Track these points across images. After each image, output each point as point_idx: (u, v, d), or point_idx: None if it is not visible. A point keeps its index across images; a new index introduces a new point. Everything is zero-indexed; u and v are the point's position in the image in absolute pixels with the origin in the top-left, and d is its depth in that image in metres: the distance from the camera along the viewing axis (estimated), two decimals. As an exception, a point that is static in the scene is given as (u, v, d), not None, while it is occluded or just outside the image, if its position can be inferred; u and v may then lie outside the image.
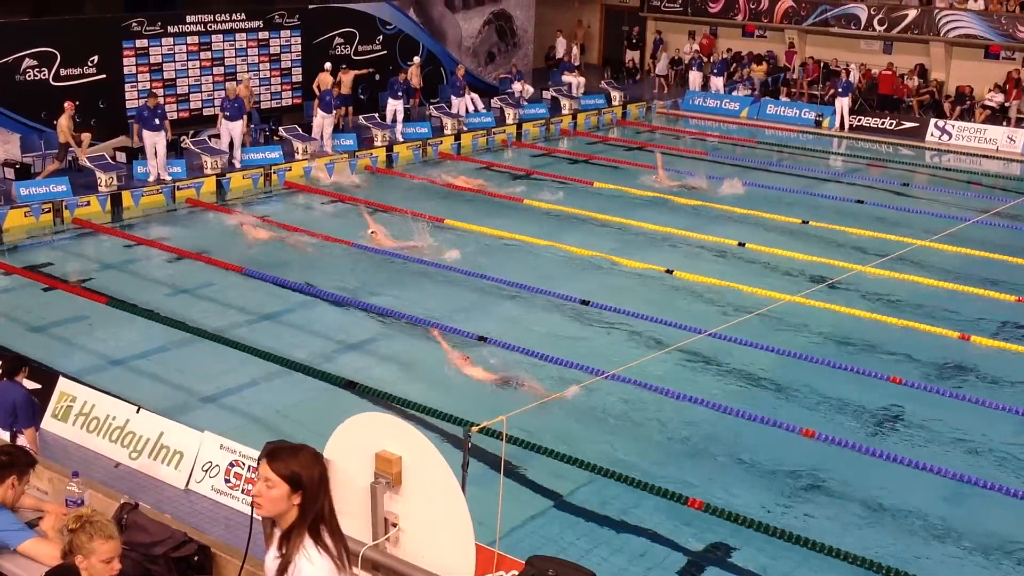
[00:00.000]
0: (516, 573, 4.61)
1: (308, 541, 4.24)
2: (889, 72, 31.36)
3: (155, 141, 21.09)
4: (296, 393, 12.90)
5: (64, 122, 20.60)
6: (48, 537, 5.71)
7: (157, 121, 21.05)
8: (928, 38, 31.79)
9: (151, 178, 21.15)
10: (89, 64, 22.89)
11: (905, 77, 31.58)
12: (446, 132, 26.85)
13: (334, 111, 24.43)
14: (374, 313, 15.38)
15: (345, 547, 4.34)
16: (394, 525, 4.77)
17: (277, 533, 4.36)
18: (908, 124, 29.54)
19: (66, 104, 20.76)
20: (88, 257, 18.00)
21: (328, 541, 4.28)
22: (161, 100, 22.44)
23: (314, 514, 4.26)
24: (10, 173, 20.68)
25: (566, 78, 31.69)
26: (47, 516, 5.97)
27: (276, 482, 4.25)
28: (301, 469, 4.25)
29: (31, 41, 21.90)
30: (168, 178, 21.23)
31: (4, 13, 22.31)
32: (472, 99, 28.48)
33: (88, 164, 20.82)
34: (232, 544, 5.97)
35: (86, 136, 21.08)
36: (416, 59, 28.55)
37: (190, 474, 10.60)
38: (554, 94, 30.85)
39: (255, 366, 13.52)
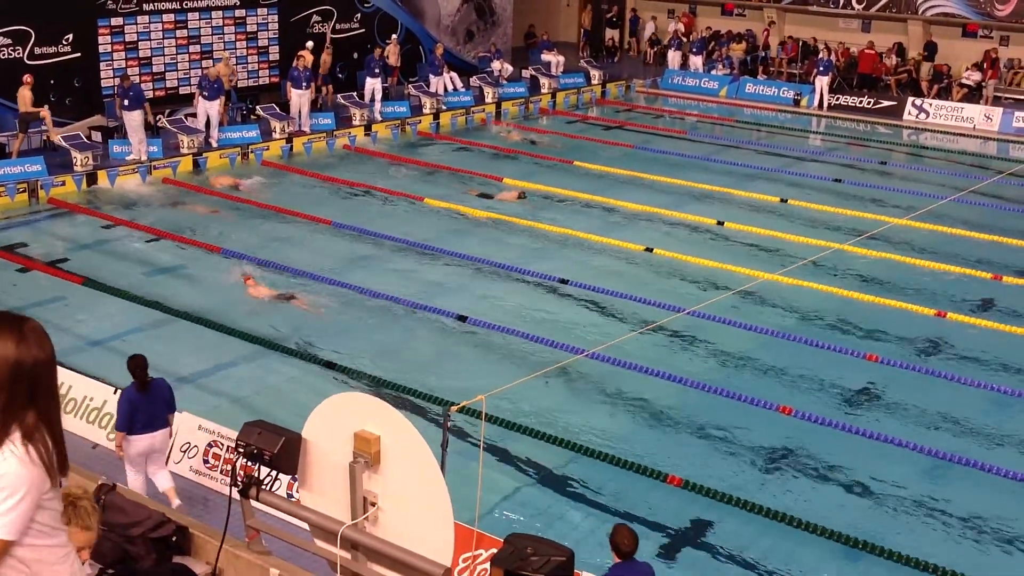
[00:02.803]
0: (495, 551, 4.62)
1: (12, 438, 3.55)
2: (871, 51, 31.41)
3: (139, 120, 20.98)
4: (275, 373, 12.88)
5: (25, 93, 20.43)
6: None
7: (127, 101, 20.93)
8: (906, 16, 31.85)
9: (129, 157, 21.01)
10: (64, 42, 22.65)
11: (883, 56, 31.64)
12: (425, 111, 26.74)
13: (306, 87, 24.17)
14: (352, 292, 15.34)
15: (57, 454, 3.66)
16: (373, 504, 4.77)
17: None
18: (886, 103, 29.61)
19: (25, 77, 20.66)
20: (64, 237, 17.86)
21: (26, 439, 3.55)
22: (135, 80, 22.24)
23: (8, 409, 3.54)
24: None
25: (545, 57, 31.60)
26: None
27: None
28: None
29: (4, 19, 21.63)
30: (145, 158, 21.08)
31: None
32: (451, 78, 28.37)
33: (63, 143, 20.64)
34: (211, 525, 5.96)
35: (45, 111, 20.84)
36: (394, 37, 28.40)
37: (168, 454, 10.55)
38: (533, 73, 30.77)
39: (233, 346, 13.48)
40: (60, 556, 3.77)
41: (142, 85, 22.96)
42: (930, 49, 31.71)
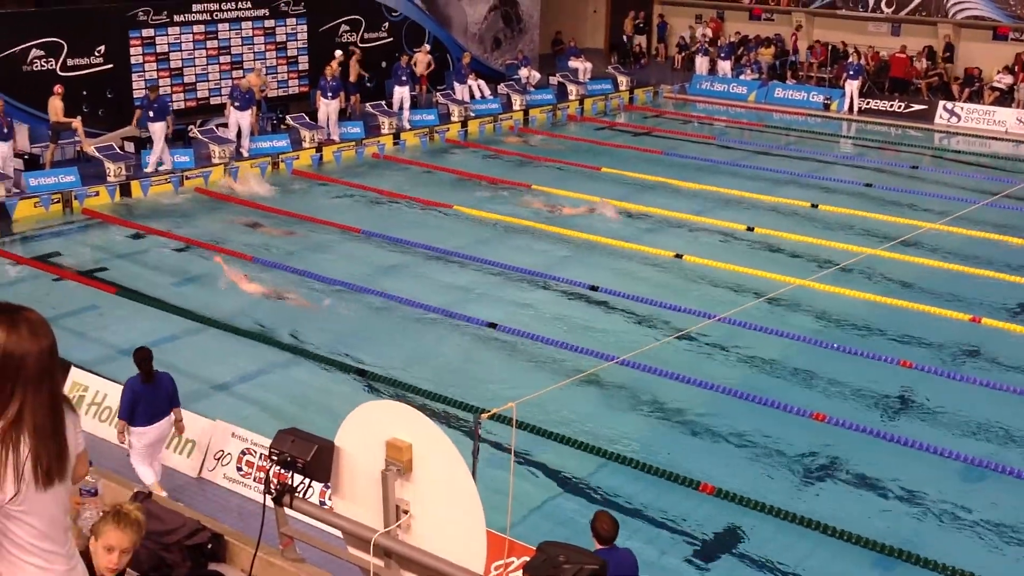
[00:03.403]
0: (528, 559, 4.61)
1: None
2: (902, 55, 31.19)
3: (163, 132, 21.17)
4: (307, 381, 12.93)
5: (56, 103, 20.64)
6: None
7: (151, 114, 21.11)
8: (937, 20, 31.63)
9: (148, 168, 21.19)
10: (96, 54, 22.88)
11: (914, 59, 31.43)
12: (453, 119, 26.80)
13: (333, 97, 24.26)
14: (384, 300, 15.37)
15: (46, 457, 3.40)
16: (405, 512, 4.77)
17: None
18: (917, 107, 29.41)
19: (56, 87, 20.88)
20: (97, 247, 18.02)
21: (11, 444, 3.34)
22: (162, 92, 22.41)
23: None
24: (19, 164, 20.69)
25: (572, 64, 31.59)
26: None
27: None
28: None
29: (38, 31, 21.89)
30: (168, 166, 21.25)
31: (10, 3, 22.30)
32: (478, 85, 28.43)
33: (96, 154, 20.85)
34: (245, 532, 5.98)
35: (78, 122, 21.04)
36: (426, 46, 28.49)
37: (202, 463, 10.63)
38: (560, 80, 30.77)
39: (266, 355, 13.55)
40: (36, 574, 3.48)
41: (172, 95, 23.16)
42: (949, 50, 31.49)
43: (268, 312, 15.01)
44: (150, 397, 9.93)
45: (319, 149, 23.63)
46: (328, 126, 24.23)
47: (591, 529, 7.57)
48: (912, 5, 31.83)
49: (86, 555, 4.92)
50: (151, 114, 21.10)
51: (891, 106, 29.65)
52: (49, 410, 3.42)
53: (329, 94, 24.16)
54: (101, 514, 4.99)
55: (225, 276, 15.98)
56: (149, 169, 21.13)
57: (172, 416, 10.15)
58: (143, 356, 9.99)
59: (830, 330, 14.66)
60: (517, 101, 28.48)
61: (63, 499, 3.51)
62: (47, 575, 3.50)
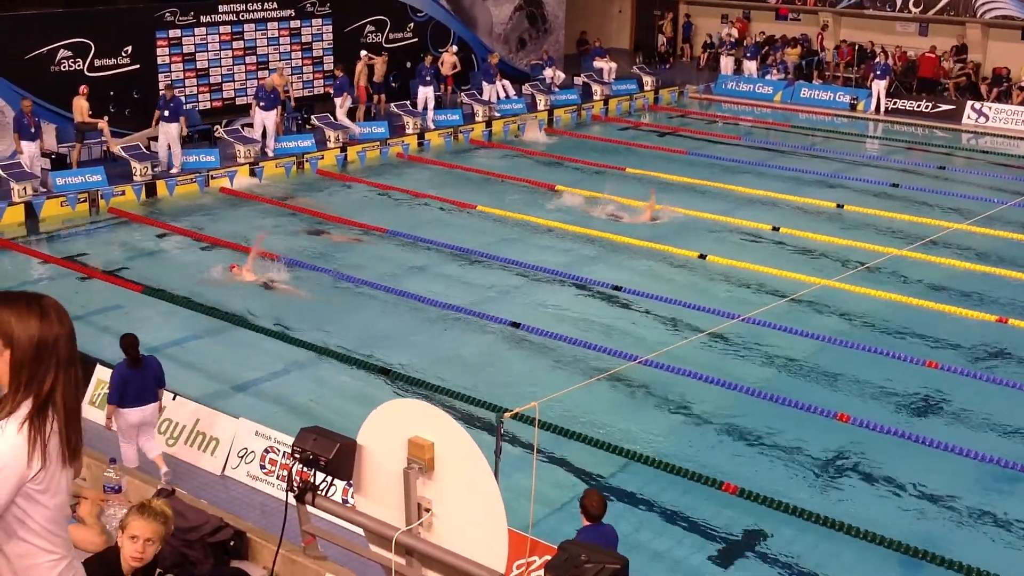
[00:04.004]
0: (549, 558, 4.61)
1: (18, 412, 3.46)
2: (932, 55, 30.97)
3: (175, 133, 21.26)
4: (329, 380, 12.98)
5: (81, 103, 20.79)
6: (86, 523, 5.76)
7: (167, 113, 21.23)
8: (965, 20, 31.39)
9: (174, 169, 21.29)
10: (123, 54, 23.05)
11: (942, 59, 31.22)
12: (477, 119, 26.82)
13: (345, 94, 24.29)
14: (406, 299, 15.40)
15: (70, 447, 3.57)
16: (427, 510, 4.77)
17: None
18: (944, 107, 29.21)
19: (81, 87, 21.02)
20: (123, 246, 18.14)
21: (38, 423, 3.46)
22: (175, 92, 22.53)
23: (28, 386, 3.47)
24: (46, 163, 20.86)
25: (597, 64, 31.55)
26: (84, 502, 5.99)
27: None
28: (12, 320, 3.48)
29: (65, 32, 22.08)
30: (177, 168, 21.33)
31: (38, 4, 22.47)
32: (503, 86, 28.44)
33: (122, 154, 20.99)
34: (267, 530, 6.01)
35: (104, 123, 21.19)
36: (453, 47, 28.53)
37: (226, 460, 10.69)
38: (585, 80, 30.73)
39: (289, 354, 13.60)
40: (49, 562, 3.62)
41: (199, 96, 23.27)
42: (966, 51, 31.26)
43: (291, 311, 15.06)
44: (138, 381, 10.36)
45: (344, 149, 23.71)
46: (334, 121, 24.24)
47: (580, 506, 8.02)
48: (940, 5, 31.60)
49: (114, 552, 4.97)
50: (166, 113, 21.17)
51: (918, 106, 29.45)
52: (75, 390, 3.58)
53: (345, 94, 24.24)
54: (125, 511, 5.04)
55: (240, 270, 16.19)
56: (175, 170, 21.22)
57: (159, 399, 10.57)
58: (129, 342, 10.39)
59: (855, 330, 14.58)
60: (542, 101, 28.48)
61: (70, 483, 3.68)
62: (53, 560, 3.63)
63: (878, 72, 29.64)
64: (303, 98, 26.18)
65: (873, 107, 29.62)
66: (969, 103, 29.02)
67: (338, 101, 24.33)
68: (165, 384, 10.70)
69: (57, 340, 3.49)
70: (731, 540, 9.81)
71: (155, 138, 22.17)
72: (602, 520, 8.11)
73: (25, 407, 3.46)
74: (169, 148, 21.24)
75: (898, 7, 32.42)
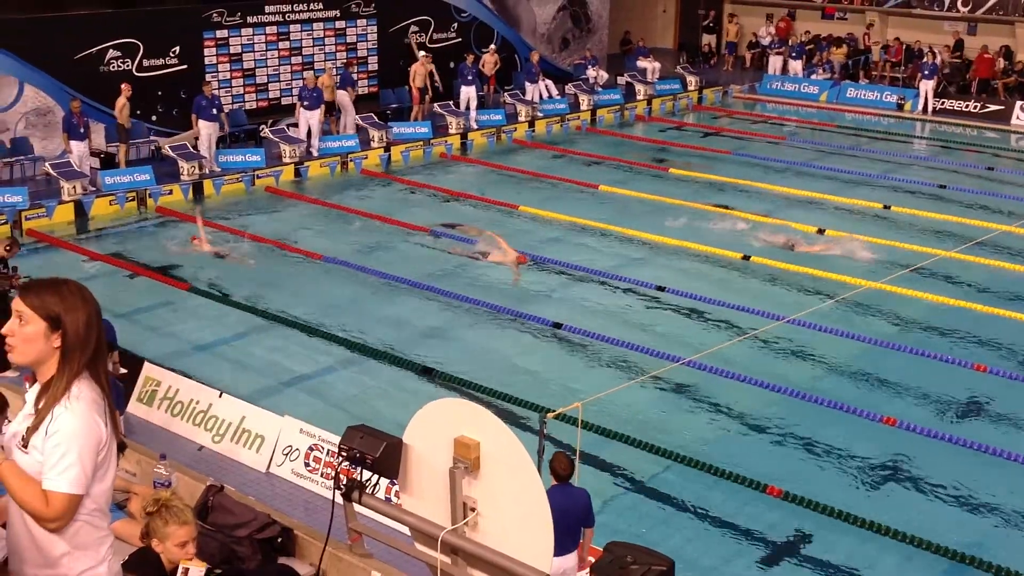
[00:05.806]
0: (594, 560, 4.61)
1: (74, 391, 3.73)
2: (988, 56, 30.56)
3: (209, 132, 21.43)
4: (374, 379, 13.04)
5: (121, 102, 21.00)
6: (137, 519, 5.83)
7: (214, 111, 21.39)
8: (1014, 19, 30.97)
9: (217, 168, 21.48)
10: (171, 55, 23.30)
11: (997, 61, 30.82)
12: (520, 119, 26.82)
13: (313, 107, 23.23)
14: (449, 299, 15.45)
15: (114, 413, 3.93)
16: (472, 510, 4.80)
17: (35, 391, 3.87)
18: (993, 107, 28.82)
19: (123, 86, 21.19)
20: (171, 245, 18.32)
21: (95, 395, 3.79)
22: (216, 90, 22.67)
23: (79, 363, 3.74)
24: (95, 162, 21.14)
25: (641, 63, 31.45)
26: (135, 498, 6.06)
27: (30, 317, 3.69)
28: (60, 307, 3.71)
29: (114, 32, 22.35)
30: (217, 169, 21.48)
31: (87, 5, 22.78)
32: (546, 85, 28.42)
33: (170, 153, 21.23)
34: (312, 527, 6.06)
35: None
36: (492, 47, 28.56)
37: (271, 458, 10.78)
38: (629, 80, 30.64)
39: (334, 352, 13.69)
40: (99, 538, 3.95)
41: (245, 96, 23.40)
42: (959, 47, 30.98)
43: (335, 311, 15.15)
44: None
45: (387, 149, 23.81)
46: (341, 121, 24.32)
47: (549, 468, 8.17)
48: (989, 4, 31.19)
49: (151, 552, 4.99)
50: (213, 111, 21.35)
51: (966, 106, 29.08)
52: (106, 363, 3.96)
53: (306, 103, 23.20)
54: (144, 515, 5.04)
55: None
56: (217, 169, 21.42)
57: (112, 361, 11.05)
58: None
59: (902, 333, 14.44)
60: (585, 101, 28.43)
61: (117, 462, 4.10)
62: (101, 536, 4.00)
63: (926, 72, 29.29)
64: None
65: (920, 107, 29.29)
66: (1019, 103, 28.59)
67: (309, 115, 22.92)
68: (117, 346, 11.29)
69: (98, 317, 3.81)
70: (774, 543, 9.76)
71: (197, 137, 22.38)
72: (570, 481, 8.22)
73: (84, 387, 3.77)
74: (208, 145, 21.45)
75: (946, 6, 32.03)
